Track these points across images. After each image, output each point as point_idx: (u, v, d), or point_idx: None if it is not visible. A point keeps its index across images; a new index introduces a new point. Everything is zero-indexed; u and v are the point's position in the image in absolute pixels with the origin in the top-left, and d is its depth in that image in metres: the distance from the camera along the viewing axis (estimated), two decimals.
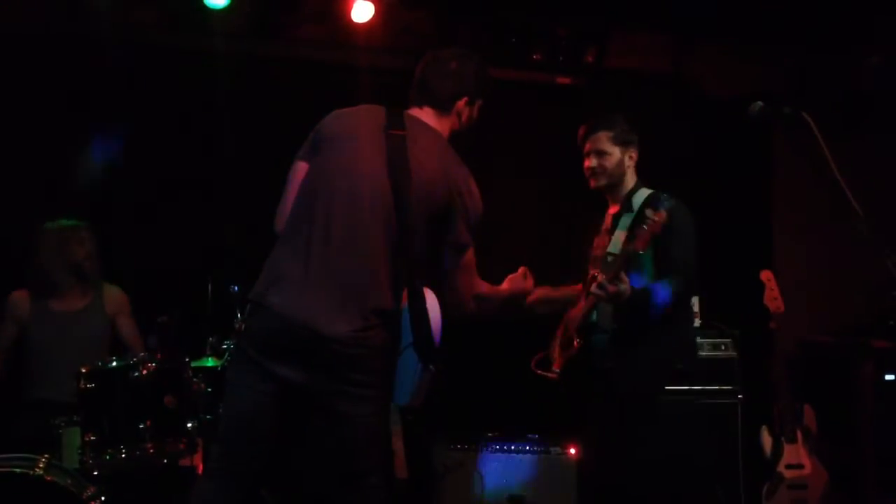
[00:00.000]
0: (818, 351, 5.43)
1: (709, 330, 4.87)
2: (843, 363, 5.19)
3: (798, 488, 4.48)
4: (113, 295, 4.26)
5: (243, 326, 2.73)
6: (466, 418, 4.97)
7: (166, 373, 3.44)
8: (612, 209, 3.76)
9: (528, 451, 4.58)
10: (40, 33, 4.83)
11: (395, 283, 2.66)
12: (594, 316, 3.60)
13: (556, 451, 4.54)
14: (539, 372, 3.76)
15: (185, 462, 3.72)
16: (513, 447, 4.60)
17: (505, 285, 3.16)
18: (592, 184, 3.70)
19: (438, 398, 4.61)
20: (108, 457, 3.29)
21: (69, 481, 3.23)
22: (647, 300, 3.39)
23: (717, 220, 5.87)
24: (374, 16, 5.06)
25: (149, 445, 3.32)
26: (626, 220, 3.60)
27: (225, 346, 3.85)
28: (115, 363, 3.40)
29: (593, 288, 3.33)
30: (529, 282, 3.20)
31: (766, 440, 4.59)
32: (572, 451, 4.50)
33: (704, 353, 4.74)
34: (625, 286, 3.27)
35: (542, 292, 3.45)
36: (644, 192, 3.67)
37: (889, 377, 5.00)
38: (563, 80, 5.74)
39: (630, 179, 3.71)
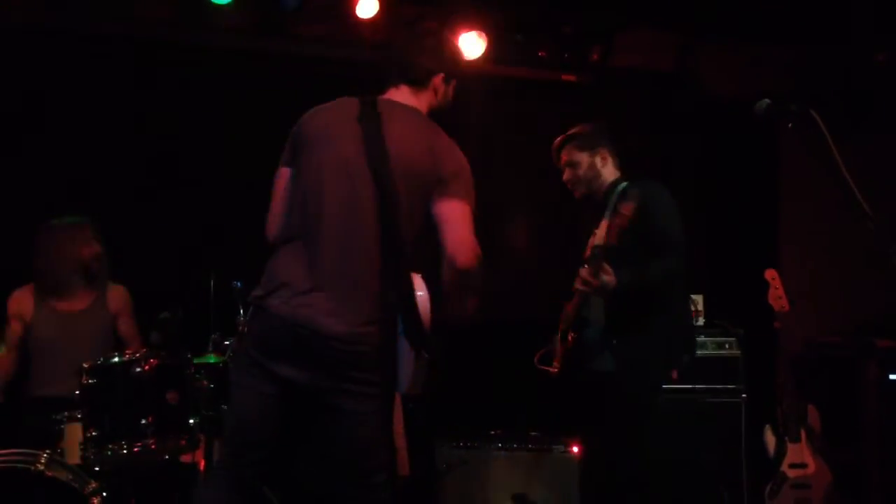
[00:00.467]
0: (823, 350, 5.42)
1: (713, 329, 4.86)
2: (848, 363, 5.18)
3: (802, 488, 4.47)
4: (117, 294, 4.26)
5: (245, 328, 2.74)
6: (469, 416, 4.96)
7: (168, 369, 3.43)
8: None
9: (531, 449, 4.57)
10: (33, 28, 4.83)
11: (390, 275, 2.63)
12: (587, 311, 3.61)
13: (558, 448, 4.53)
14: (540, 367, 3.77)
15: (186, 458, 3.72)
16: (515, 445, 4.59)
17: None
18: (576, 195, 3.75)
19: (440, 394, 4.65)
20: (109, 452, 3.28)
21: (71, 477, 3.23)
22: (637, 286, 3.39)
23: (723, 218, 5.89)
24: (379, 12, 5.05)
25: (150, 441, 3.31)
26: (607, 215, 3.64)
27: (227, 343, 3.84)
28: (116, 359, 3.39)
29: (577, 283, 3.36)
30: None
31: (770, 439, 4.57)
32: (575, 448, 4.49)
33: (708, 352, 4.73)
34: (608, 278, 3.31)
35: None
36: (621, 186, 3.68)
37: (893, 377, 4.99)
38: (568, 77, 5.74)
39: (608, 177, 3.73)
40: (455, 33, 2.78)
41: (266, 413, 2.67)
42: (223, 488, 2.70)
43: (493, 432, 4.70)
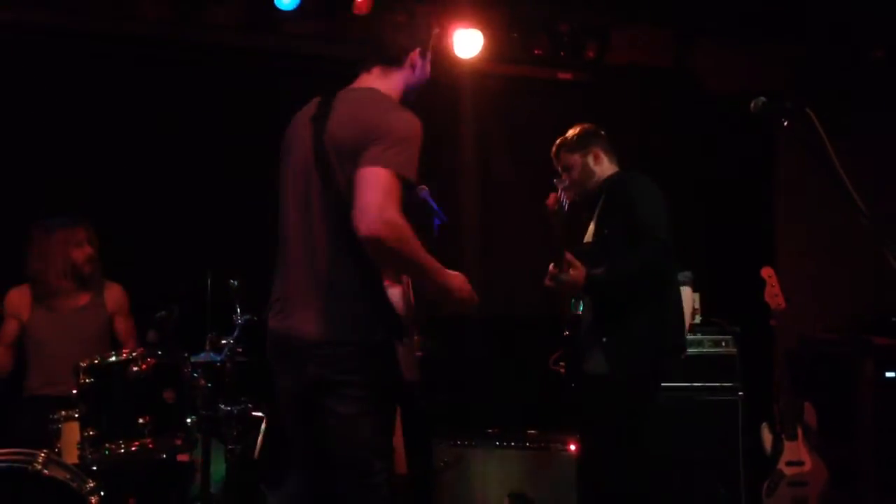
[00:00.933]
0: (819, 348, 5.43)
1: (709, 327, 4.86)
2: (844, 360, 5.19)
3: (798, 485, 4.48)
4: (114, 292, 4.25)
5: None
6: (466, 414, 4.97)
7: (165, 368, 3.43)
8: None
9: (529, 448, 4.57)
10: (29, 28, 4.83)
11: (347, 266, 2.59)
12: (580, 308, 3.62)
13: (556, 447, 4.53)
14: (553, 368, 3.79)
15: (183, 457, 3.72)
16: (513, 443, 4.59)
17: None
18: (569, 199, 3.75)
19: (437, 392, 4.67)
20: (106, 452, 3.27)
21: (68, 476, 3.22)
22: (614, 279, 3.37)
23: (719, 216, 5.90)
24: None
25: (148, 440, 3.31)
26: (596, 212, 3.66)
27: (224, 342, 3.84)
28: (114, 358, 3.39)
29: (546, 280, 3.37)
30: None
31: (767, 437, 4.58)
32: (572, 446, 4.49)
33: (705, 350, 4.73)
34: (574, 272, 3.32)
35: None
36: (607, 182, 3.70)
37: (890, 374, 5.00)
38: (565, 75, 5.75)
39: (602, 175, 3.71)
40: (429, 13, 2.75)
41: (290, 418, 2.80)
42: (296, 482, 2.84)
43: (490, 431, 4.70)
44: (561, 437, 4.54)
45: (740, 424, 4.68)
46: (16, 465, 3.16)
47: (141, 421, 3.30)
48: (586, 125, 3.78)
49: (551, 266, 3.38)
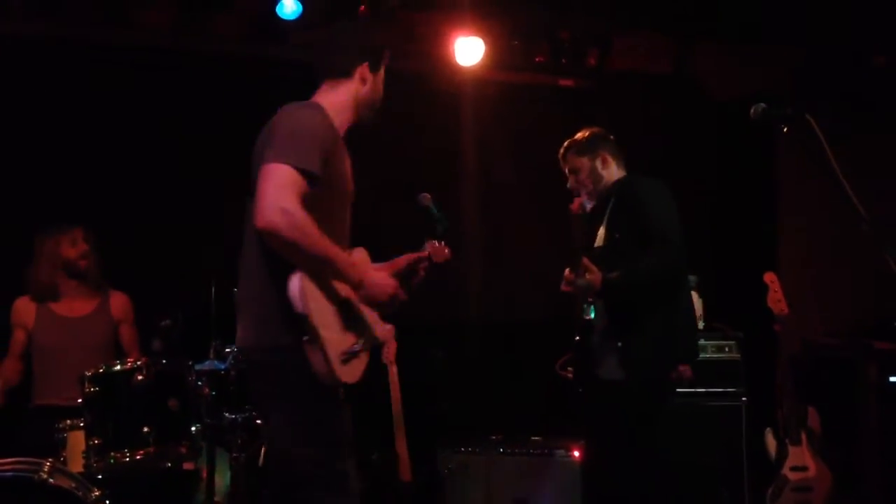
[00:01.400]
0: (822, 353, 5.43)
1: (713, 332, 4.86)
2: (848, 365, 5.18)
3: (803, 490, 4.47)
4: (119, 301, 4.28)
5: None
6: (471, 421, 4.97)
7: (170, 376, 3.44)
8: None
9: (533, 454, 4.57)
10: (31, 37, 4.85)
11: (265, 276, 2.62)
12: (592, 314, 3.61)
13: (560, 453, 4.53)
14: (560, 373, 3.78)
15: (188, 465, 3.73)
16: (517, 450, 4.59)
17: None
18: (579, 203, 3.75)
19: (442, 399, 4.68)
20: (112, 460, 3.29)
21: (74, 485, 3.23)
22: (630, 282, 3.37)
23: (721, 221, 5.90)
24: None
25: (152, 449, 3.32)
26: (606, 215, 3.66)
27: (228, 350, 3.84)
28: (118, 367, 3.40)
29: (563, 285, 3.37)
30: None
31: (771, 442, 4.57)
32: (576, 453, 4.49)
33: (708, 356, 4.73)
34: (591, 276, 3.31)
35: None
36: (617, 185, 3.70)
37: (893, 379, 4.99)
38: (566, 82, 5.76)
39: (610, 178, 3.71)
40: (378, 23, 2.77)
41: None
42: None
43: (494, 437, 4.70)
44: (565, 443, 4.55)
45: (744, 430, 4.68)
46: (22, 473, 3.17)
47: (146, 429, 3.32)
48: (595, 129, 3.78)
49: (567, 271, 3.38)
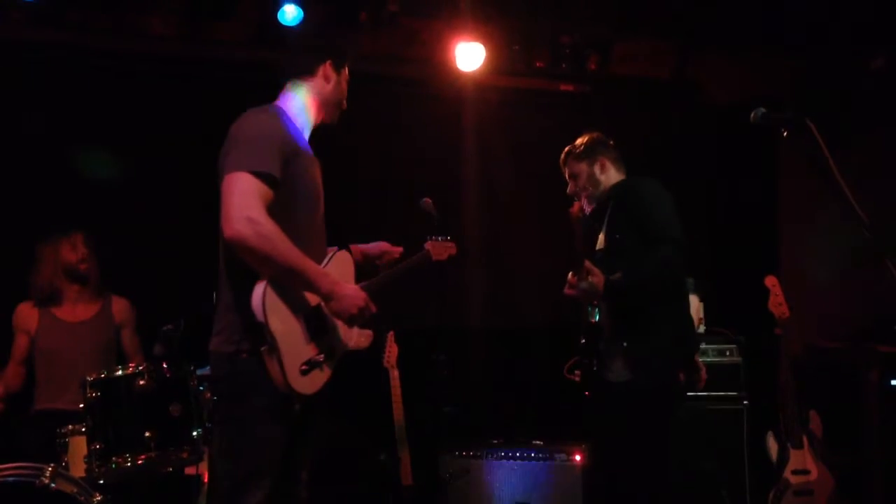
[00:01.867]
0: (824, 356, 5.43)
1: (714, 336, 4.86)
2: (849, 368, 5.18)
3: (804, 494, 4.47)
4: (121, 305, 4.29)
5: None
6: (472, 425, 4.97)
7: (171, 381, 3.44)
8: None
9: (534, 458, 4.57)
10: (33, 45, 4.87)
11: (230, 285, 2.64)
12: (597, 316, 3.62)
13: (561, 457, 4.53)
14: (568, 377, 3.79)
15: (190, 470, 3.73)
16: (518, 454, 4.59)
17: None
18: (574, 209, 3.75)
19: (444, 403, 4.67)
20: (113, 465, 3.28)
21: (76, 490, 3.24)
22: (633, 282, 3.38)
23: (722, 226, 5.91)
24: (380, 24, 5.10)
25: (154, 454, 3.32)
26: (606, 219, 3.67)
27: None
28: (120, 372, 3.41)
29: (566, 288, 3.37)
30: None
31: (772, 446, 4.57)
32: (577, 457, 4.49)
33: (710, 359, 4.74)
34: (594, 279, 3.31)
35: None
36: (615, 188, 3.70)
37: (894, 382, 4.99)
38: (566, 87, 5.77)
39: (608, 183, 3.72)
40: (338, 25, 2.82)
41: None
42: None
43: (496, 441, 4.70)
44: (566, 447, 4.54)
45: (745, 433, 4.68)
46: (24, 478, 3.18)
47: (147, 434, 3.31)
48: (594, 134, 3.79)
49: (570, 275, 3.39)
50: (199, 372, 3.60)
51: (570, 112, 5.63)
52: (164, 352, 3.79)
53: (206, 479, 3.75)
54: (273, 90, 2.89)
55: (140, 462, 3.29)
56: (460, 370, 5.04)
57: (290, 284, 2.56)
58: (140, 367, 3.42)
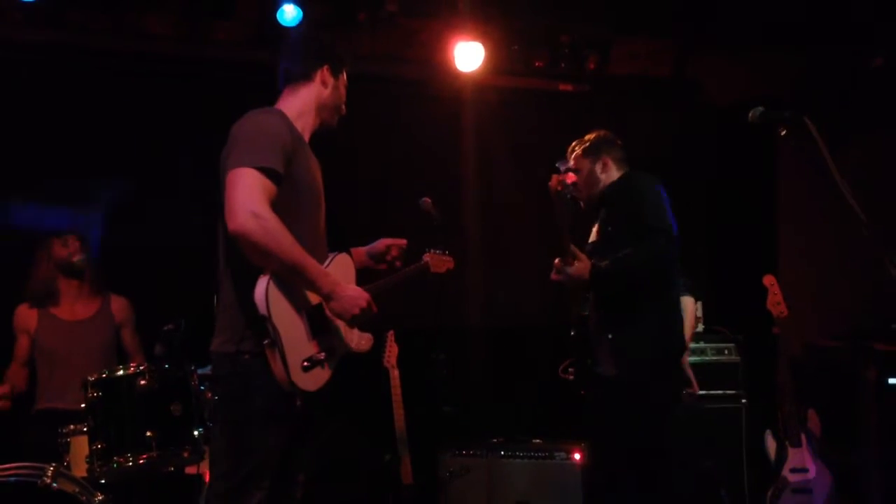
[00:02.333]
0: (822, 355, 5.44)
1: (712, 335, 4.87)
2: (847, 367, 5.19)
3: (802, 492, 4.48)
4: (120, 304, 4.30)
5: None
6: (472, 424, 4.98)
7: (172, 381, 3.45)
8: None
9: (533, 457, 4.58)
10: (32, 45, 4.88)
11: (231, 284, 2.65)
12: (586, 309, 3.62)
13: (561, 456, 4.54)
14: (563, 376, 3.79)
15: (191, 470, 3.74)
16: (518, 453, 4.60)
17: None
18: (557, 180, 3.74)
19: (443, 402, 4.69)
20: (115, 465, 3.29)
21: (77, 490, 3.24)
22: (618, 272, 3.37)
23: (721, 225, 5.92)
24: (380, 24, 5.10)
25: (155, 453, 3.32)
26: (601, 215, 3.69)
27: None
28: (121, 372, 3.41)
29: (552, 273, 3.37)
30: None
31: (771, 444, 4.59)
32: (577, 456, 4.50)
33: (708, 358, 4.75)
34: (580, 264, 3.33)
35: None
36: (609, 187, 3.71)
37: (892, 381, 5.00)
38: (566, 86, 5.77)
39: (606, 182, 3.72)
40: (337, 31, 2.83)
41: None
42: None
43: (495, 440, 4.71)
44: (566, 446, 4.56)
45: (744, 432, 4.70)
46: (25, 478, 3.18)
47: (149, 434, 3.32)
48: (602, 132, 3.80)
49: (557, 260, 3.38)
50: (199, 371, 3.62)
51: (570, 112, 5.63)
52: (165, 352, 3.79)
53: (207, 479, 3.76)
54: (272, 91, 2.90)
55: (141, 462, 3.30)
56: (460, 370, 5.05)
57: (291, 281, 2.57)
58: (141, 367, 3.43)
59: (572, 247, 3.34)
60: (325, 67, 2.84)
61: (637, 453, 3.45)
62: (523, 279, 5.49)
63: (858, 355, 5.11)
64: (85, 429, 3.39)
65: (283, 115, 2.73)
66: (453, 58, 5.30)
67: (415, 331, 4.73)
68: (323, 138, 2.93)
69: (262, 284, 2.51)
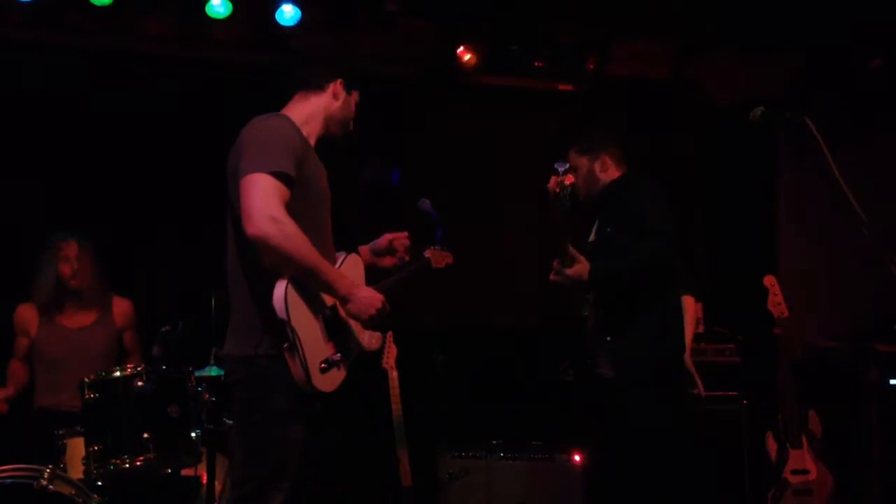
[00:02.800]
0: (823, 356, 5.43)
1: (713, 336, 4.86)
2: (848, 368, 5.18)
3: (803, 494, 4.47)
4: (122, 308, 4.28)
5: None
6: (471, 426, 4.96)
7: (170, 382, 3.44)
8: None
9: (533, 458, 4.57)
10: (33, 46, 4.87)
11: (245, 286, 2.67)
12: (585, 310, 3.61)
13: (560, 458, 4.53)
14: (562, 376, 3.78)
15: (188, 472, 3.72)
16: (517, 454, 4.59)
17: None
18: (557, 180, 3.72)
19: (442, 403, 4.68)
20: (112, 467, 3.28)
21: (74, 491, 3.24)
22: (617, 274, 3.36)
23: (721, 225, 5.91)
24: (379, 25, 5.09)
25: (152, 455, 3.31)
26: (600, 215, 3.68)
27: None
28: (118, 373, 3.40)
29: (551, 275, 3.36)
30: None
31: (772, 446, 4.57)
32: (577, 457, 4.49)
33: (708, 359, 4.73)
34: (578, 266, 3.31)
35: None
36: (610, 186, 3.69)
37: (894, 382, 4.99)
38: (565, 87, 5.76)
39: (605, 182, 3.71)
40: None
41: None
42: None
43: (495, 442, 4.69)
44: (565, 447, 4.54)
45: (744, 433, 4.68)
46: (22, 480, 3.17)
47: (146, 436, 3.31)
48: (601, 130, 3.80)
49: (555, 262, 3.37)
50: (197, 373, 3.60)
51: (569, 112, 5.62)
52: (163, 353, 3.78)
53: (204, 481, 3.75)
54: (272, 92, 2.89)
55: (138, 463, 3.29)
56: (459, 370, 5.04)
57: (309, 284, 2.60)
58: (138, 368, 3.42)
59: (571, 248, 3.32)
60: (340, 81, 2.85)
61: (637, 455, 3.44)
62: (523, 279, 5.47)
63: (859, 356, 5.11)
64: (81, 430, 3.38)
65: (290, 121, 2.75)
66: (453, 58, 5.29)
67: (413, 331, 4.72)
68: (321, 138, 2.92)
69: (280, 288, 2.53)
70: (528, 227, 5.53)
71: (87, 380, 3.36)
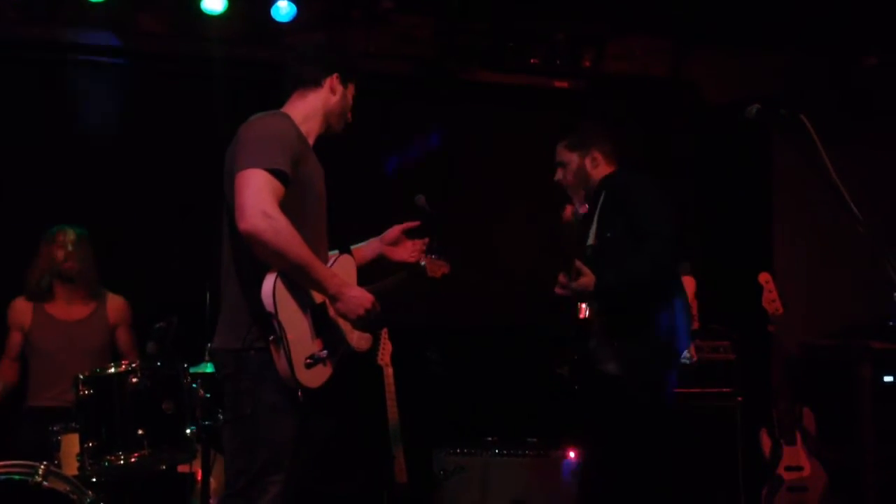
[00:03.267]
0: (817, 353, 5.44)
1: (707, 333, 4.86)
2: (842, 365, 5.19)
3: (798, 490, 4.48)
4: (116, 304, 4.27)
5: None
6: (467, 422, 4.97)
7: (164, 379, 3.43)
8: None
9: (529, 455, 4.57)
10: (29, 42, 4.86)
11: (237, 281, 2.68)
12: (587, 314, 3.61)
13: (556, 454, 4.54)
14: (558, 371, 3.78)
15: (183, 468, 3.72)
16: (513, 451, 4.59)
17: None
18: (571, 210, 3.74)
19: (437, 400, 4.68)
20: (106, 463, 3.27)
21: (68, 488, 3.22)
22: (624, 282, 3.37)
23: (716, 222, 5.91)
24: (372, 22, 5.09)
25: (147, 451, 3.31)
26: (595, 213, 3.63)
27: None
28: (112, 370, 3.39)
29: (556, 288, 3.37)
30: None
31: (766, 442, 4.58)
32: (572, 454, 4.49)
33: (703, 356, 4.74)
34: (585, 280, 3.32)
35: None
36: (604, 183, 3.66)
37: (888, 379, 5.01)
38: (561, 84, 5.76)
39: (598, 178, 3.67)
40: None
41: None
42: None
43: (490, 439, 4.70)
44: (561, 444, 4.55)
45: (739, 430, 4.69)
46: (16, 477, 3.17)
47: (140, 432, 3.30)
48: (591, 125, 3.76)
49: (561, 276, 3.38)
50: (192, 369, 3.60)
51: (565, 109, 5.62)
52: (157, 349, 3.78)
53: (199, 477, 3.75)
54: (268, 89, 2.89)
55: (133, 460, 3.28)
56: (455, 367, 5.04)
57: (299, 280, 2.61)
58: (133, 365, 3.41)
59: (578, 263, 3.33)
60: (336, 75, 2.86)
61: (634, 452, 3.44)
62: (519, 277, 5.48)
63: (853, 353, 5.12)
64: (76, 426, 3.37)
65: (290, 119, 2.76)
66: (448, 55, 5.28)
67: (409, 329, 4.72)
68: (320, 137, 2.92)
69: (269, 282, 2.55)
70: (524, 225, 5.53)
71: (81, 376, 3.35)
